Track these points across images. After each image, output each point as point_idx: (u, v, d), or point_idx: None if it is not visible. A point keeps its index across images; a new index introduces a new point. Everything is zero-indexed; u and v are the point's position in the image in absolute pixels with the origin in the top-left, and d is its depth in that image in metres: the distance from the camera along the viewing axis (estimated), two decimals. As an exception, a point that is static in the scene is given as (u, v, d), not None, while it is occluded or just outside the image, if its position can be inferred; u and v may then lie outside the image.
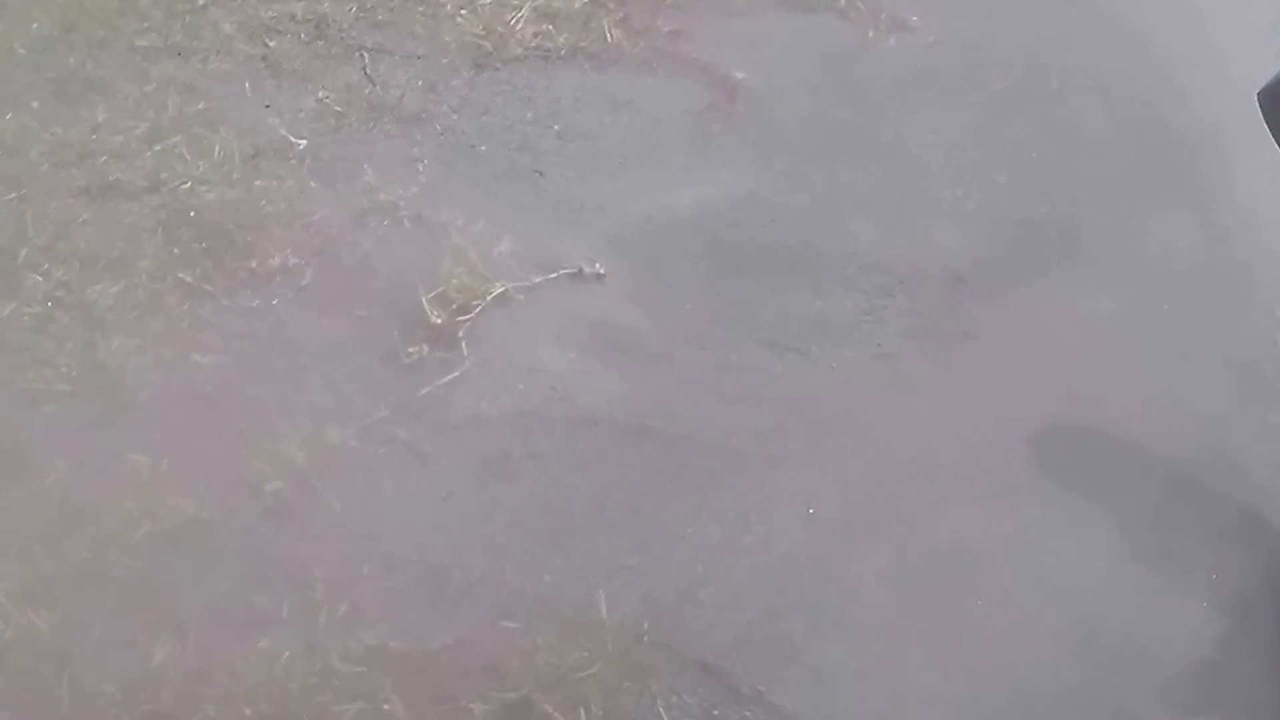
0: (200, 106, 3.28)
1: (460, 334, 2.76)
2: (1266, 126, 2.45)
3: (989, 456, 2.62)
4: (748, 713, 2.19)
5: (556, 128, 3.36)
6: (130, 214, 2.97)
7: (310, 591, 2.29)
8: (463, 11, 3.70)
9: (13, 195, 2.99)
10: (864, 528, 2.47)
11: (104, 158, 3.10)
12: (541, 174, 3.22)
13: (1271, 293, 3.01)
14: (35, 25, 3.47)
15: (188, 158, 3.11)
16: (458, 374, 2.70)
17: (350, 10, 3.68)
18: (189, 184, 3.04)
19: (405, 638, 2.23)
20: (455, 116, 3.37)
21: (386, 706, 2.14)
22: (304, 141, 3.20)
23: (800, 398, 2.71)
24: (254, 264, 2.89)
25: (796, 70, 3.60)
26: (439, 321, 2.77)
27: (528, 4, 3.71)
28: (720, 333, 2.84)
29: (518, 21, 3.66)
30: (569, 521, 2.45)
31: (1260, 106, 2.45)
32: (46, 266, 2.82)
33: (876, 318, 2.90)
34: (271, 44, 3.53)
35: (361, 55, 3.54)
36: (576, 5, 3.71)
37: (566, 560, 2.38)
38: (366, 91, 3.39)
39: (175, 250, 2.90)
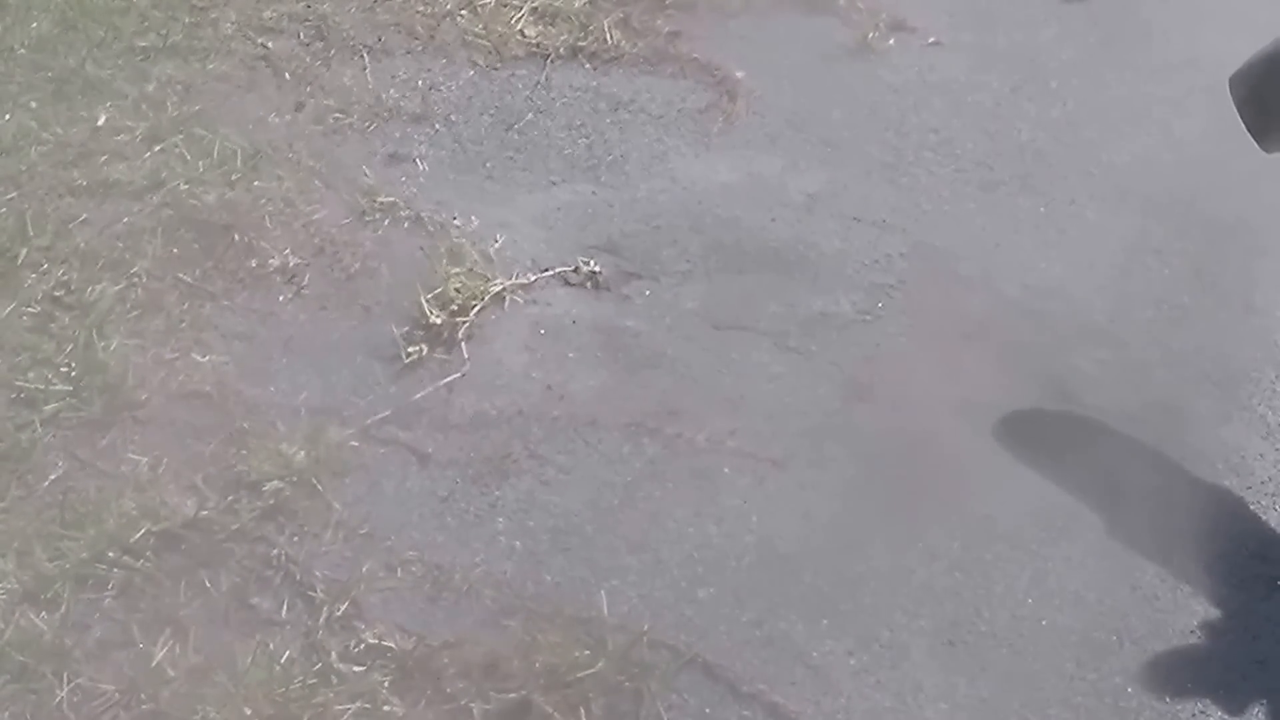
0: (200, 106, 3.28)
1: (460, 334, 2.76)
2: (1236, 112, 2.45)
3: (988, 456, 2.62)
4: (747, 713, 2.19)
5: (556, 128, 3.36)
6: (130, 214, 2.98)
7: (310, 591, 2.29)
8: (463, 11, 3.71)
9: (13, 195, 2.99)
10: (864, 527, 2.47)
11: (104, 158, 3.10)
12: (541, 174, 3.22)
13: (1272, 292, 3.01)
14: (35, 25, 3.47)
15: (188, 158, 3.11)
16: (458, 374, 2.70)
17: (350, 10, 3.68)
18: (189, 184, 3.04)
19: (405, 638, 2.23)
20: (455, 116, 3.37)
21: (386, 707, 2.14)
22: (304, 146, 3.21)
23: (800, 397, 2.71)
24: (254, 264, 2.89)
25: (796, 70, 3.61)
26: (439, 321, 2.77)
27: (528, 4, 3.71)
28: (720, 333, 2.84)
29: (518, 21, 3.66)
30: (569, 521, 2.45)
31: (1231, 92, 2.45)
32: (46, 266, 2.82)
33: (876, 317, 2.90)
34: (271, 44, 3.54)
35: (361, 55, 3.54)
36: (576, 5, 3.71)
37: (566, 560, 2.39)
38: (367, 91, 3.40)
39: (175, 250, 2.90)
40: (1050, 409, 2.73)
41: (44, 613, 2.22)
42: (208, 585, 2.29)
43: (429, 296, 2.80)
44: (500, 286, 2.86)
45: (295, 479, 2.44)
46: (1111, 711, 2.24)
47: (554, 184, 3.19)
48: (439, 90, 3.45)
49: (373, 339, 2.76)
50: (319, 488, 2.45)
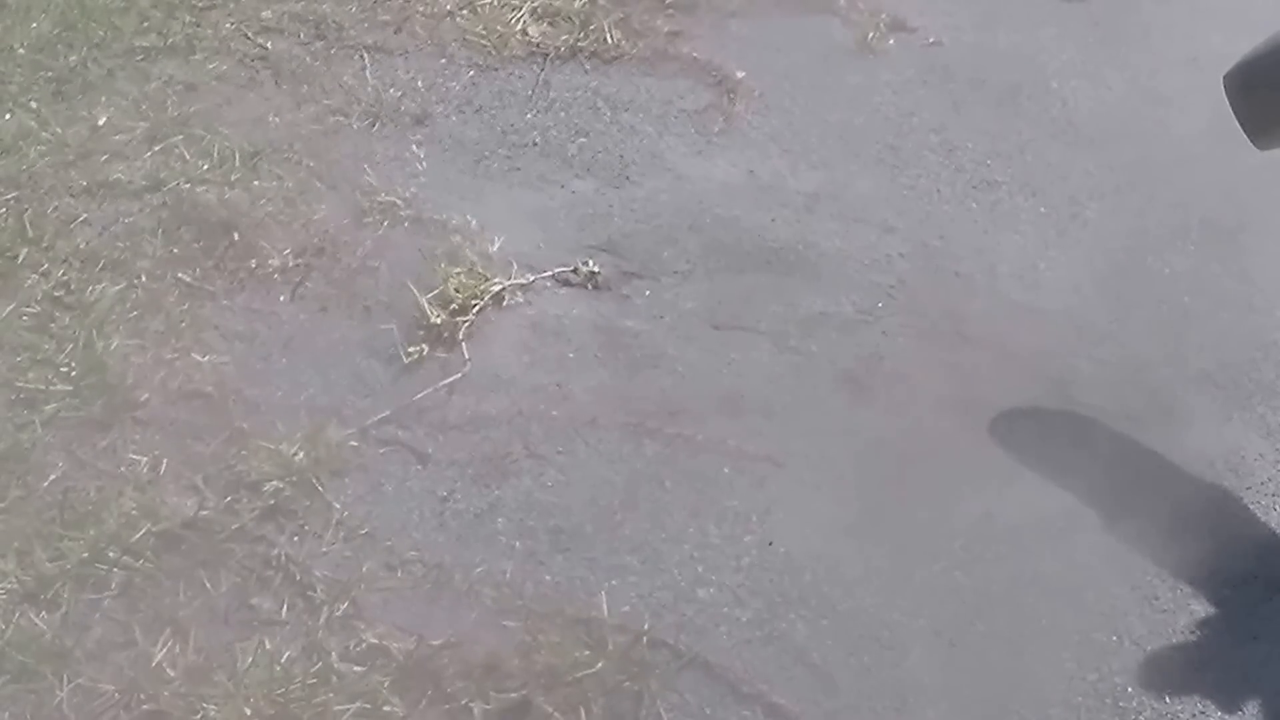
0: (200, 106, 3.28)
1: (460, 334, 2.76)
2: (1231, 110, 2.45)
3: (988, 457, 2.62)
4: (747, 713, 2.19)
5: (555, 128, 3.36)
6: (130, 214, 2.98)
7: (310, 591, 2.29)
8: (463, 11, 3.71)
9: (13, 195, 2.99)
10: (863, 527, 2.47)
11: (104, 158, 3.10)
12: (541, 174, 3.22)
13: (1272, 292, 3.01)
14: (35, 25, 3.47)
15: (188, 158, 3.11)
16: (458, 374, 2.70)
17: (350, 10, 3.68)
18: (189, 184, 3.04)
19: (405, 638, 2.23)
20: (455, 116, 3.37)
21: (386, 707, 2.14)
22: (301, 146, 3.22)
23: (800, 397, 2.71)
24: (254, 264, 2.89)
25: (796, 70, 3.60)
26: (439, 321, 2.77)
27: (528, 4, 3.71)
28: (720, 333, 2.84)
29: (518, 21, 3.66)
30: (569, 521, 2.45)
31: (1225, 90, 2.45)
32: (46, 266, 2.83)
33: (876, 317, 2.90)
34: (271, 44, 3.54)
35: (361, 55, 3.54)
36: (576, 5, 3.71)
37: (566, 560, 2.39)
38: (367, 91, 3.40)
39: (175, 250, 2.90)
40: (1050, 409, 2.73)
41: (44, 613, 2.22)
42: (208, 585, 2.29)
43: (429, 296, 2.80)
44: (500, 286, 2.86)
45: (295, 479, 2.44)
46: (1111, 711, 2.24)
47: (554, 184, 3.19)
48: (439, 90, 3.45)
49: (373, 339, 2.76)
50: (319, 488, 2.45)
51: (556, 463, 2.55)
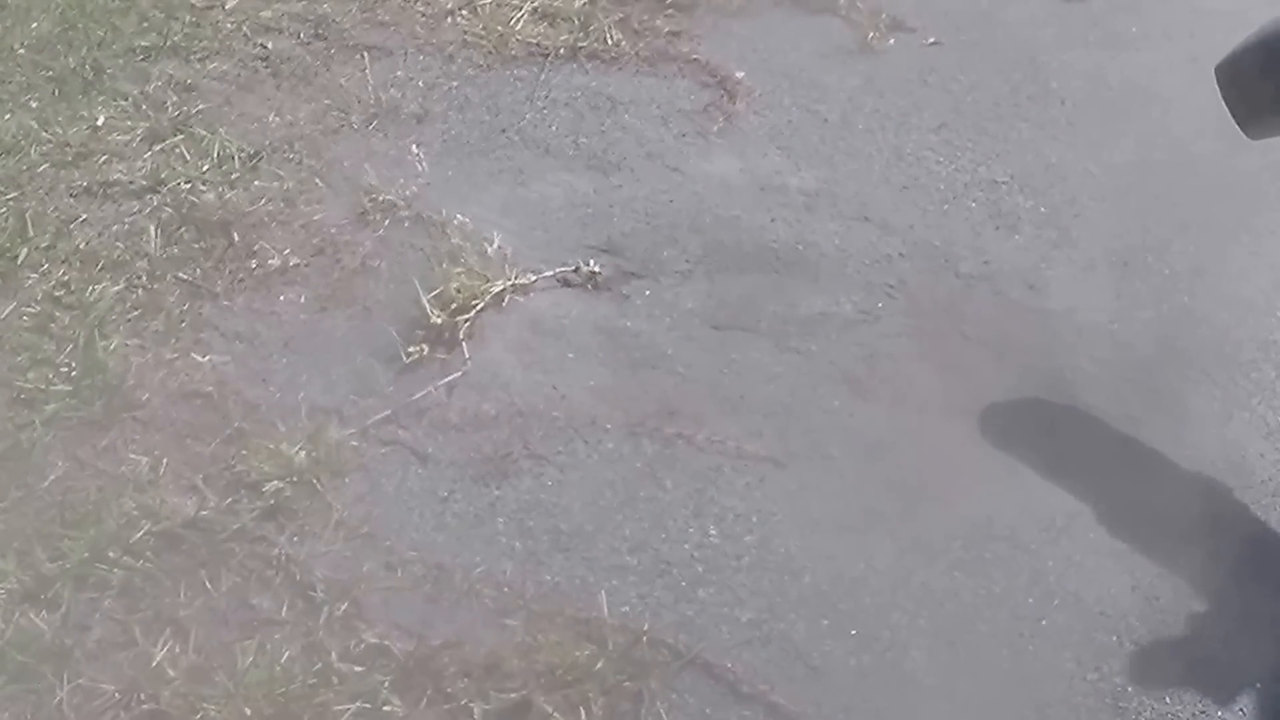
0: (200, 106, 3.29)
1: (460, 334, 2.76)
2: (1223, 100, 2.45)
3: (988, 456, 2.62)
4: (747, 713, 2.19)
5: (556, 128, 3.36)
6: (130, 214, 2.98)
7: (310, 591, 2.29)
8: (463, 11, 3.71)
9: (13, 195, 2.99)
10: (863, 527, 2.47)
11: (104, 158, 3.10)
12: (541, 174, 3.22)
13: (1272, 292, 3.01)
14: (35, 25, 3.48)
15: (188, 158, 3.12)
16: (458, 374, 2.70)
17: (350, 10, 3.68)
18: (189, 184, 3.04)
19: (405, 638, 2.23)
20: (455, 116, 3.37)
21: (387, 707, 2.14)
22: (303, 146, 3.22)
23: (800, 397, 2.71)
24: (254, 264, 2.89)
25: (796, 70, 3.61)
26: (439, 321, 2.77)
27: (528, 4, 3.71)
28: (720, 333, 2.84)
29: (518, 21, 3.66)
30: (569, 521, 2.45)
31: (1217, 81, 2.46)
32: (46, 266, 2.83)
33: (875, 317, 2.90)
34: (271, 44, 3.54)
35: (361, 55, 3.54)
36: (576, 5, 3.71)
37: (566, 560, 2.39)
38: (367, 91, 3.40)
39: (175, 250, 2.90)
40: (1050, 409, 2.73)
41: (44, 613, 2.22)
42: (208, 585, 2.29)
43: (429, 296, 2.80)
44: (500, 286, 2.86)
45: (295, 479, 2.44)
46: (1111, 711, 2.24)
47: (554, 184, 3.19)
48: (439, 90, 3.45)
49: (373, 339, 2.76)
50: (319, 488, 2.45)
51: (556, 463, 2.55)
